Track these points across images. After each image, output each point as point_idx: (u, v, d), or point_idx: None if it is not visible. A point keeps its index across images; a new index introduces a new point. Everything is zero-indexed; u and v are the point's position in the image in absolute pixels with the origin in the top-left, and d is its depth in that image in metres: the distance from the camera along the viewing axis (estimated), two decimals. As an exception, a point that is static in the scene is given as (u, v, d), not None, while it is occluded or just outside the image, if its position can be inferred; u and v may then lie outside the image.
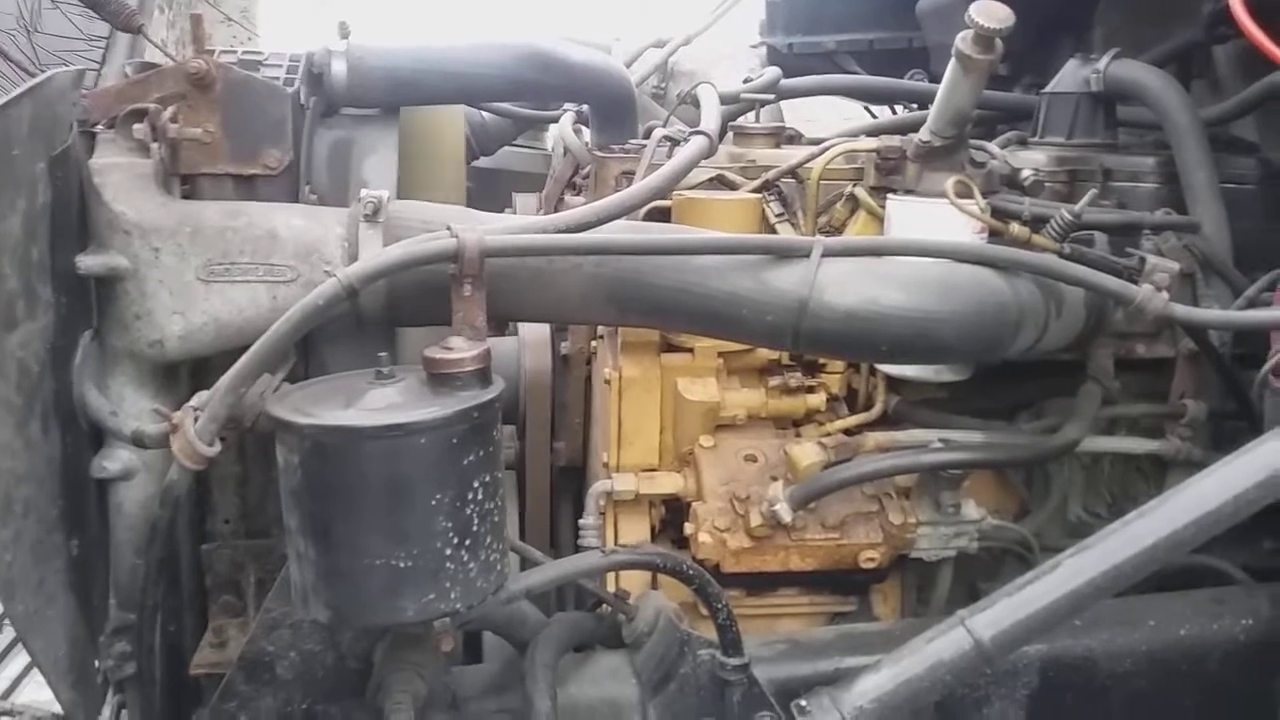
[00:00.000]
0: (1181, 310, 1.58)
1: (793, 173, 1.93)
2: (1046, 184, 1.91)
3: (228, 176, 1.67)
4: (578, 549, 1.84)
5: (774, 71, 2.40)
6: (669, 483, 1.82)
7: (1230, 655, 1.69)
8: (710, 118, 1.88)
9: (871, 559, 1.74)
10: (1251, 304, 1.77)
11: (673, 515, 1.87)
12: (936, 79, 1.78)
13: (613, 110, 2.16)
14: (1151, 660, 1.68)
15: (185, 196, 1.65)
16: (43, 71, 1.56)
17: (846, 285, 1.55)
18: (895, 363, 1.81)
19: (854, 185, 1.90)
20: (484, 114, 2.83)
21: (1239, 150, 2.17)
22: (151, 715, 1.63)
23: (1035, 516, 1.97)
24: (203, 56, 1.63)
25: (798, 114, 2.86)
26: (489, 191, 2.80)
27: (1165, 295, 1.56)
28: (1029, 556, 1.87)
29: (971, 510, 1.78)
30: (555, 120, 2.59)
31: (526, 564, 1.57)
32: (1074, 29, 2.60)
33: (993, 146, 1.88)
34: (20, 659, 3.13)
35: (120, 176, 1.55)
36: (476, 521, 1.31)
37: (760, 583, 1.80)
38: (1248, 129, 2.23)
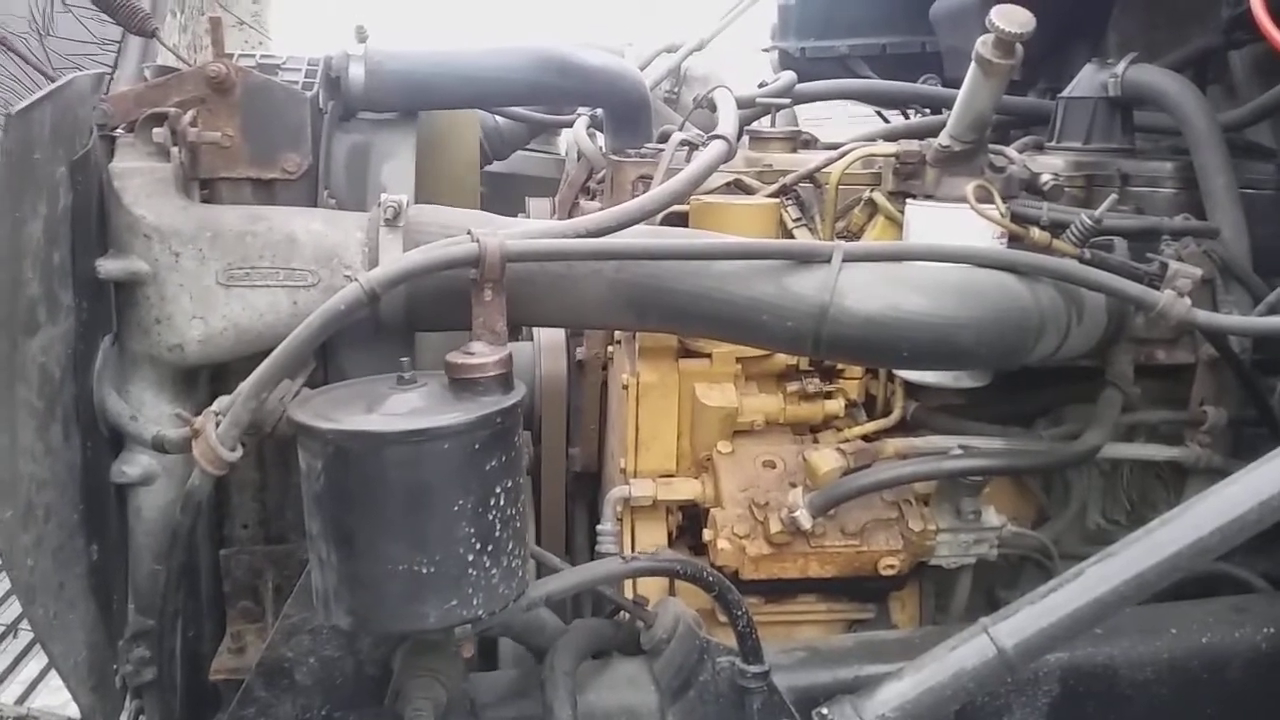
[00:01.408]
0: (1204, 316, 1.57)
1: (810, 177, 1.93)
2: (1065, 189, 1.90)
3: (247, 181, 1.67)
4: (593, 555, 1.84)
5: (789, 76, 2.40)
6: (687, 489, 1.81)
7: (1252, 663, 1.68)
8: (728, 121, 1.88)
9: (891, 566, 1.74)
10: (1272, 310, 1.76)
11: (690, 521, 1.87)
12: (950, 83, 1.78)
13: (628, 114, 2.16)
14: (1173, 668, 1.67)
15: (204, 201, 1.65)
16: (55, 75, 1.56)
17: (867, 290, 1.54)
18: (916, 368, 1.81)
19: (872, 190, 1.89)
20: (497, 118, 2.83)
21: (1256, 156, 2.17)
22: (170, 721, 1.63)
23: (1054, 523, 1.96)
24: (222, 60, 1.62)
25: (804, 117, 2.86)
26: (502, 196, 2.79)
27: (1188, 301, 1.56)
28: (1048, 564, 1.86)
29: (991, 517, 1.77)
30: (569, 125, 2.59)
31: (544, 570, 1.57)
32: (1088, 34, 2.59)
33: (1011, 151, 1.87)
34: (35, 663, 3.13)
35: (140, 180, 1.55)
36: (499, 527, 1.31)
37: (779, 590, 1.80)
38: (1264, 134, 2.22)
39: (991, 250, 1.65)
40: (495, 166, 2.94)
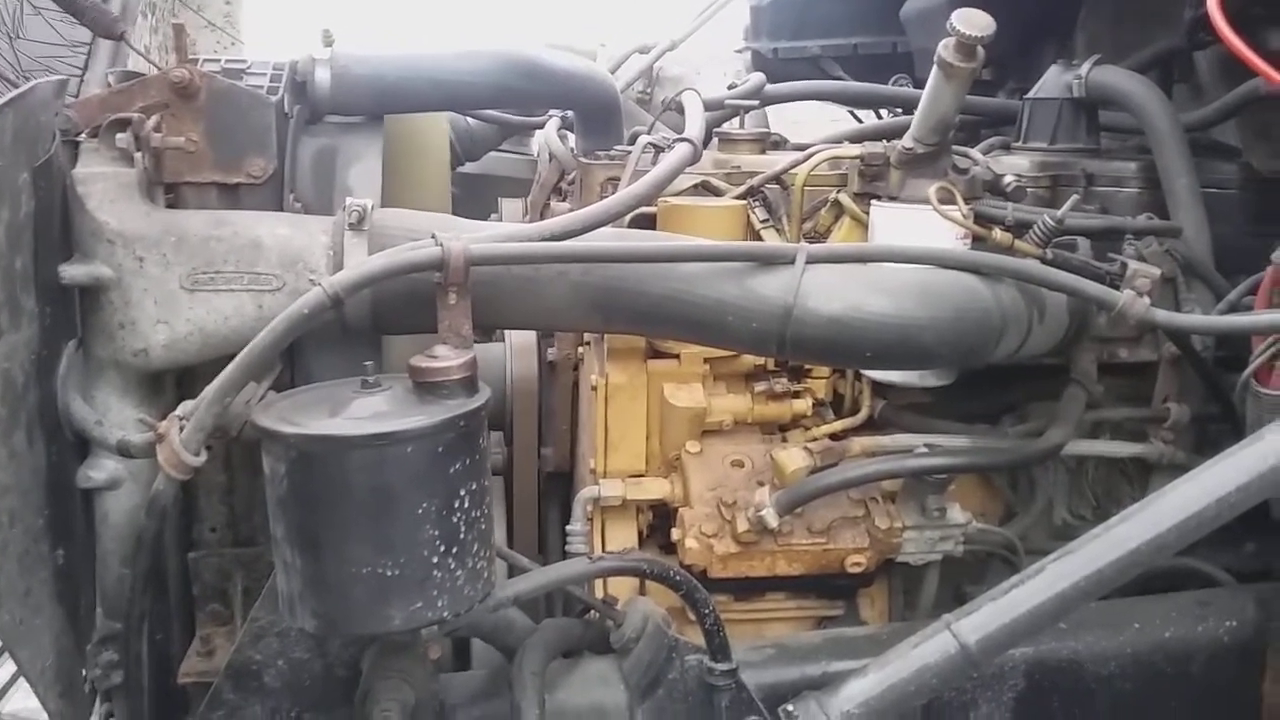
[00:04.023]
0: (1163, 315, 1.59)
1: (777, 179, 1.93)
2: (1029, 189, 1.92)
3: (212, 185, 1.67)
4: (565, 555, 1.84)
5: (758, 77, 2.41)
6: (656, 488, 1.82)
7: (1215, 657, 1.71)
8: (694, 124, 1.89)
9: (858, 563, 1.75)
10: (1233, 308, 1.79)
11: (660, 521, 1.87)
12: (921, 83, 1.79)
13: (597, 116, 2.16)
14: (1137, 662, 1.69)
15: (169, 206, 1.65)
16: (25, 78, 1.56)
17: (830, 291, 1.56)
18: (879, 368, 1.82)
19: (838, 191, 1.90)
20: (469, 120, 2.83)
21: (1220, 155, 2.19)
22: (139, 725, 1.63)
23: (1021, 520, 1.98)
24: (186, 65, 1.62)
25: (783, 115, 2.87)
26: (475, 197, 2.80)
27: (1146, 300, 1.58)
28: (1014, 560, 1.88)
29: (957, 514, 1.79)
30: (541, 126, 2.60)
31: (514, 571, 1.58)
32: (1057, 34, 2.61)
33: (975, 152, 1.89)
34: (9, 667, 3.12)
35: (104, 186, 1.55)
36: (463, 529, 1.31)
37: (747, 588, 1.81)
38: (1229, 134, 2.24)
39: (953, 251, 1.67)
40: (468, 167, 2.94)
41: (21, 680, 3.00)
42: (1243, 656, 1.71)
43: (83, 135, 1.59)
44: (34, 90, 1.48)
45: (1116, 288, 1.61)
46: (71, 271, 1.52)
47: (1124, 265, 1.67)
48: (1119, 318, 1.58)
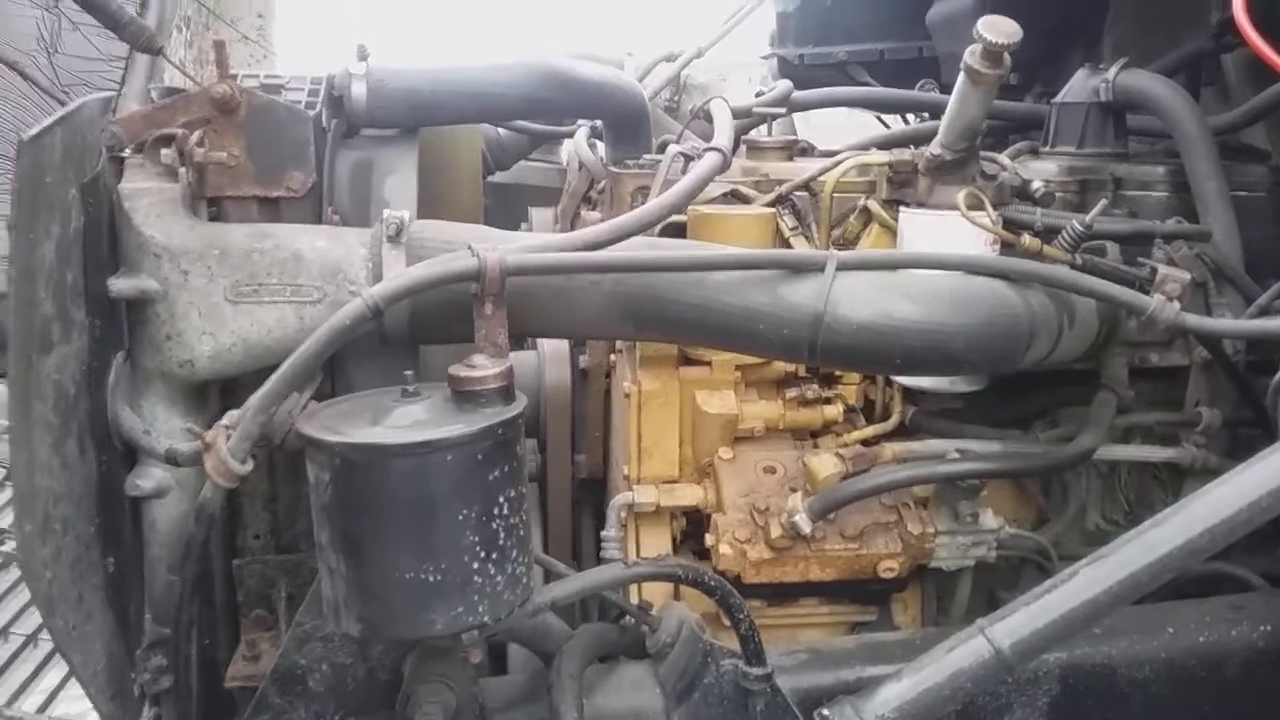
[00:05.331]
0: (1193, 319, 1.60)
1: (806, 186, 1.95)
2: (1057, 194, 1.93)
3: (253, 199, 1.70)
4: (600, 561, 1.86)
5: (785, 85, 2.42)
6: (689, 494, 1.84)
7: (1249, 661, 1.70)
8: (723, 133, 1.91)
9: (890, 569, 1.76)
10: (1263, 312, 1.78)
11: (693, 527, 1.89)
12: (948, 88, 1.80)
13: (626, 125, 2.18)
14: (1171, 667, 1.69)
15: (212, 219, 1.68)
16: (65, 93, 1.61)
17: (860, 298, 1.57)
18: (909, 374, 1.83)
19: (867, 198, 1.92)
20: (499, 130, 2.86)
21: (1250, 158, 2.19)
22: (187, 728, 1.66)
23: (1053, 525, 1.98)
24: (227, 81, 1.66)
25: (811, 122, 2.88)
26: (505, 206, 2.82)
27: (1177, 305, 1.58)
28: (1048, 565, 1.88)
29: (989, 520, 1.80)
30: (570, 136, 2.62)
31: (551, 576, 1.60)
32: (1084, 39, 2.61)
33: (1003, 158, 1.90)
34: (56, 672, 3.18)
35: (149, 201, 1.58)
36: (502, 535, 1.34)
37: (781, 593, 1.82)
38: (1258, 136, 2.24)
39: (983, 257, 1.68)
40: (498, 177, 2.97)
41: (69, 685, 3.06)
42: (1277, 660, 1.71)
43: (128, 151, 1.63)
44: (81, 108, 1.52)
45: (1146, 292, 1.62)
46: (119, 285, 1.55)
47: (1154, 270, 1.68)
48: (1149, 322, 1.59)
